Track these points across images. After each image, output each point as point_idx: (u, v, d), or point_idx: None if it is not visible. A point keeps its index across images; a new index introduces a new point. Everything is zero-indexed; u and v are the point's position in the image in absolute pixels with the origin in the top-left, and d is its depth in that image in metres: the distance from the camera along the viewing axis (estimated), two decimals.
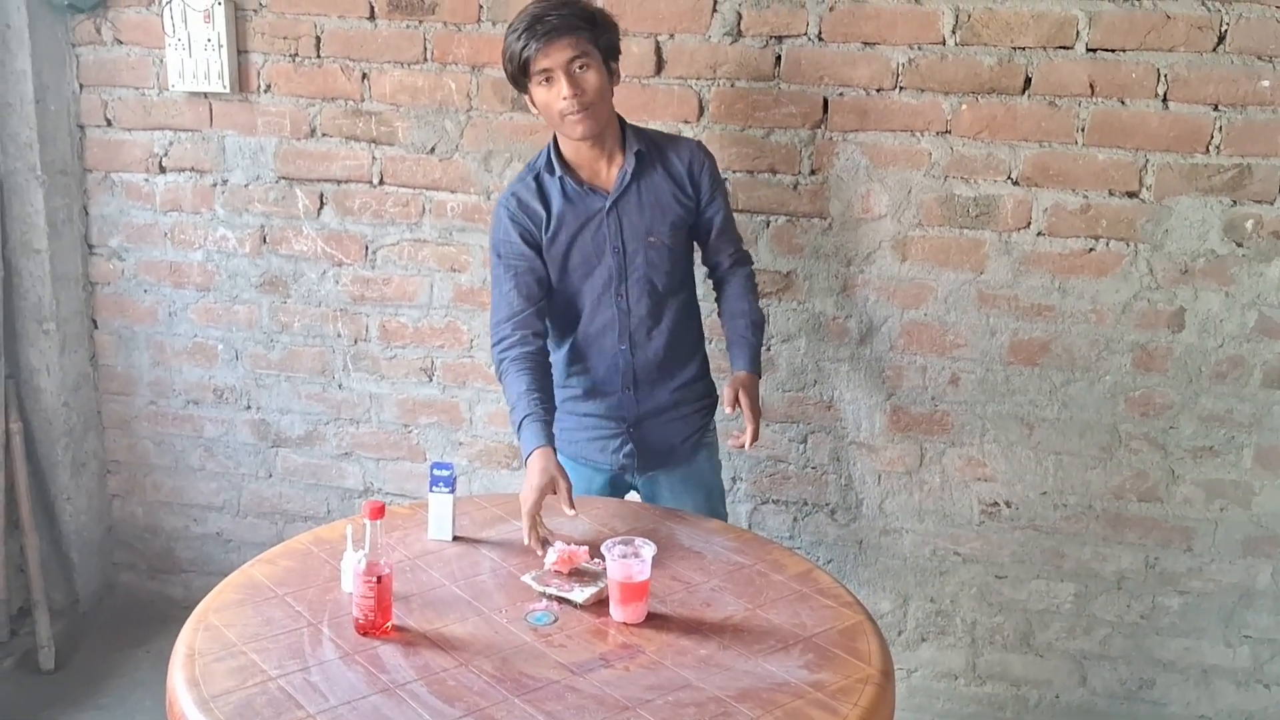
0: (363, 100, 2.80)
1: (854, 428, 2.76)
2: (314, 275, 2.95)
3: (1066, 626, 2.79)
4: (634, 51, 2.58)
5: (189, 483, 3.19)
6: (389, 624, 1.68)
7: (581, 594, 1.78)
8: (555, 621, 1.73)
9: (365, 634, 1.66)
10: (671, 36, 2.60)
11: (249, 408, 3.09)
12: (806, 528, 2.86)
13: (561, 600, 1.78)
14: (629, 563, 1.72)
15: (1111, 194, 2.51)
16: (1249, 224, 2.47)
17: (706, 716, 1.50)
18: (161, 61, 2.87)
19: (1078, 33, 2.42)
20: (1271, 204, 2.45)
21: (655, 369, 2.27)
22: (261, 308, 3.00)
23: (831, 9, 2.51)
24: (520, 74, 2.08)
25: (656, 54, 2.61)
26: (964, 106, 2.51)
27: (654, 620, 1.74)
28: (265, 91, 2.84)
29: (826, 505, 2.83)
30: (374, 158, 2.83)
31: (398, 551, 1.94)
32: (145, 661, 2.99)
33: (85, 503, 3.17)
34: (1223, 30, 2.36)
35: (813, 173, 2.62)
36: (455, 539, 2.00)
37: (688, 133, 2.60)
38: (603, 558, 1.76)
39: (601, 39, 2.09)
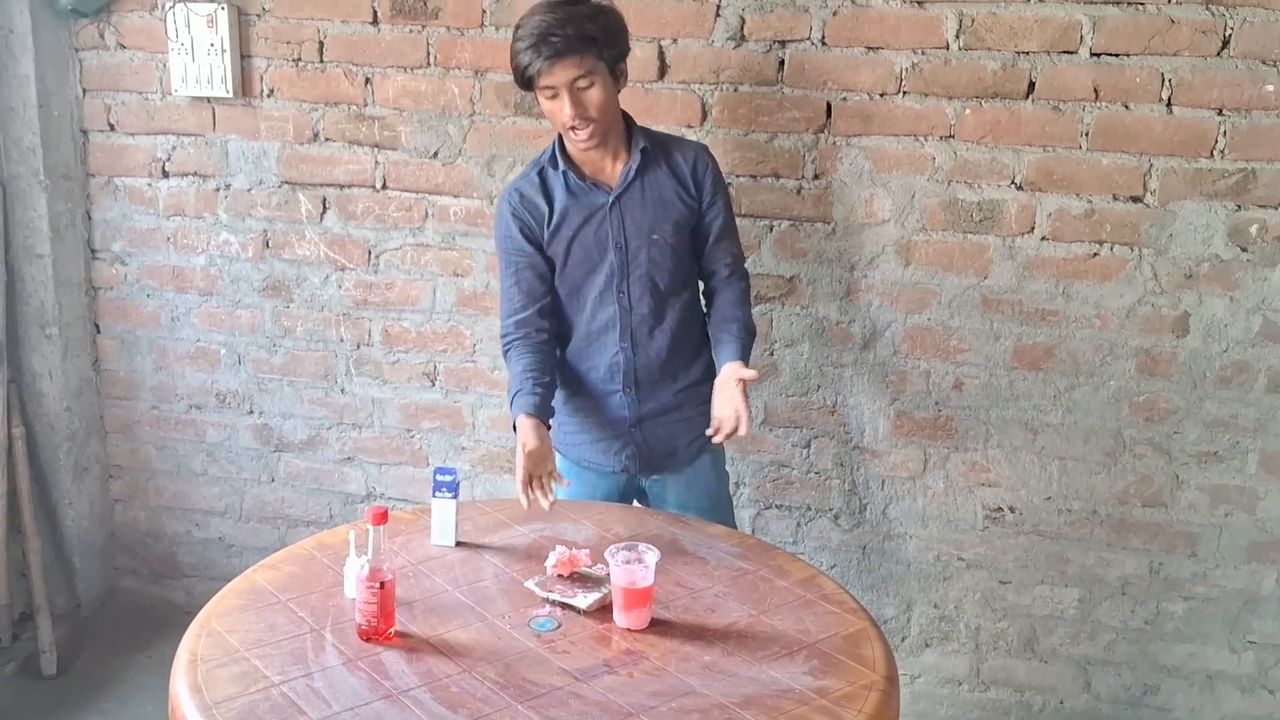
0: (365, 105, 2.80)
1: (857, 433, 2.76)
2: (317, 280, 2.95)
3: (1070, 632, 2.78)
4: (637, 56, 2.57)
5: (191, 487, 3.19)
6: (392, 630, 1.68)
7: (585, 600, 1.77)
8: (558, 627, 1.73)
9: (368, 640, 1.66)
10: (675, 41, 2.60)
11: (251, 412, 3.09)
12: (810, 533, 2.85)
13: (565, 606, 1.78)
14: (632, 568, 1.72)
15: (1115, 199, 2.50)
16: (1253, 228, 2.46)
17: None
18: (164, 66, 2.87)
19: (1081, 37, 2.42)
20: (1276, 208, 2.44)
21: (657, 369, 2.27)
22: (264, 312, 3.00)
23: (835, 13, 2.51)
24: (525, 85, 2.10)
25: (660, 58, 2.61)
26: (968, 111, 2.51)
27: (657, 626, 1.74)
28: (268, 96, 2.84)
29: (830, 510, 2.83)
30: (377, 162, 2.83)
31: (400, 557, 1.93)
32: (147, 667, 2.99)
33: (87, 507, 3.17)
34: (1227, 35, 2.36)
35: (816, 177, 2.62)
36: (458, 544, 2.00)
37: (691, 137, 2.60)
38: (606, 563, 1.76)
39: (607, 53, 2.08)
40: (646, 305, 2.23)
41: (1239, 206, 2.46)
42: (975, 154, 2.53)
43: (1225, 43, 2.37)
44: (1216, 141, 2.43)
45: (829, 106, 2.57)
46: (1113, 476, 2.66)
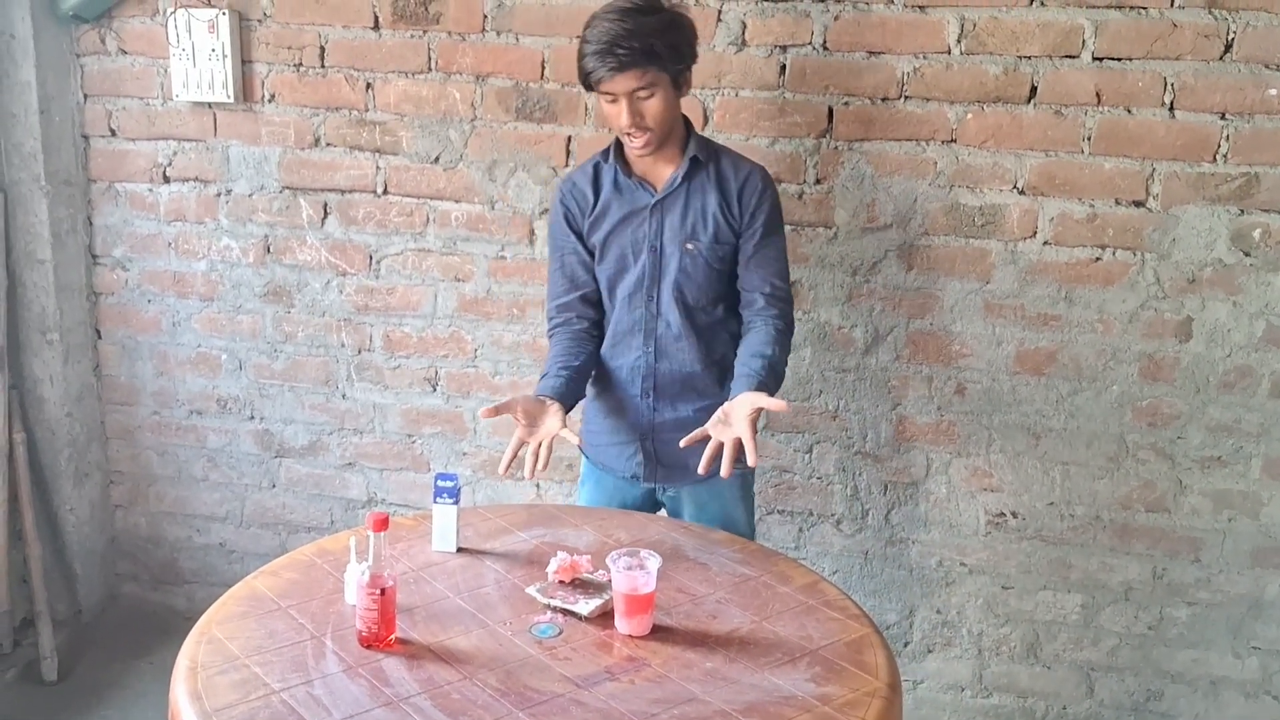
0: (367, 110, 2.79)
1: (860, 438, 2.75)
2: (318, 285, 2.94)
3: (1074, 637, 2.77)
4: None
5: (192, 493, 3.18)
6: (393, 637, 1.67)
7: (586, 606, 1.76)
8: (560, 634, 1.72)
9: (369, 647, 1.65)
10: None
11: (252, 418, 3.08)
12: (812, 538, 2.85)
13: (566, 613, 1.77)
14: (634, 574, 1.71)
15: (1118, 203, 2.50)
16: (1256, 233, 2.46)
17: None
18: (166, 71, 2.87)
19: (1084, 41, 2.42)
20: (1279, 213, 2.44)
21: (679, 382, 2.25)
22: (265, 318, 3.00)
23: (836, 18, 2.51)
24: (587, 86, 2.11)
25: None
26: (969, 116, 2.51)
27: (659, 633, 1.73)
28: (269, 101, 2.84)
29: (832, 516, 2.82)
30: (378, 167, 2.83)
31: (401, 563, 1.92)
32: (148, 673, 2.98)
33: (88, 513, 3.17)
34: (1229, 39, 2.36)
35: (818, 182, 2.62)
36: (459, 550, 1.99)
37: None
38: (607, 569, 1.75)
39: (672, 66, 2.07)
40: (674, 314, 2.22)
41: (1242, 211, 2.45)
42: (977, 158, 2.53)
43: (1228, 47, 2.36)
44: (1219, 146, 2.42)
45: (830, 111, 2.57)
46: (1116, 481, 2.65)
